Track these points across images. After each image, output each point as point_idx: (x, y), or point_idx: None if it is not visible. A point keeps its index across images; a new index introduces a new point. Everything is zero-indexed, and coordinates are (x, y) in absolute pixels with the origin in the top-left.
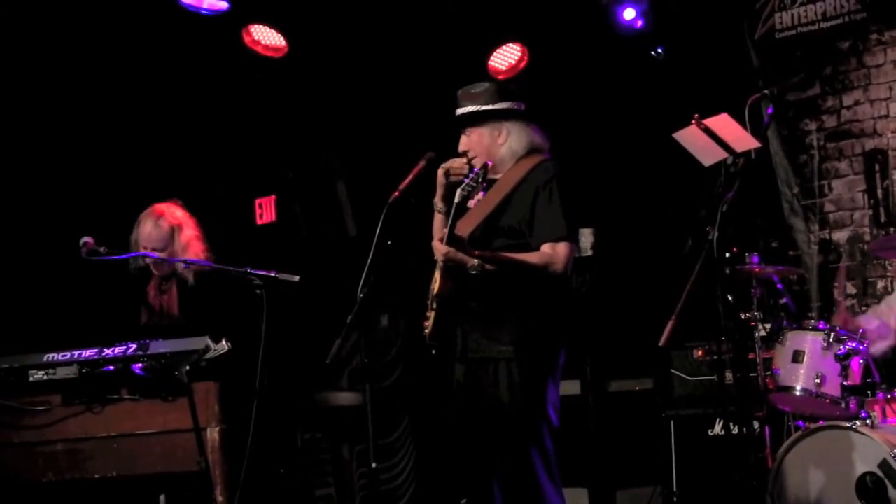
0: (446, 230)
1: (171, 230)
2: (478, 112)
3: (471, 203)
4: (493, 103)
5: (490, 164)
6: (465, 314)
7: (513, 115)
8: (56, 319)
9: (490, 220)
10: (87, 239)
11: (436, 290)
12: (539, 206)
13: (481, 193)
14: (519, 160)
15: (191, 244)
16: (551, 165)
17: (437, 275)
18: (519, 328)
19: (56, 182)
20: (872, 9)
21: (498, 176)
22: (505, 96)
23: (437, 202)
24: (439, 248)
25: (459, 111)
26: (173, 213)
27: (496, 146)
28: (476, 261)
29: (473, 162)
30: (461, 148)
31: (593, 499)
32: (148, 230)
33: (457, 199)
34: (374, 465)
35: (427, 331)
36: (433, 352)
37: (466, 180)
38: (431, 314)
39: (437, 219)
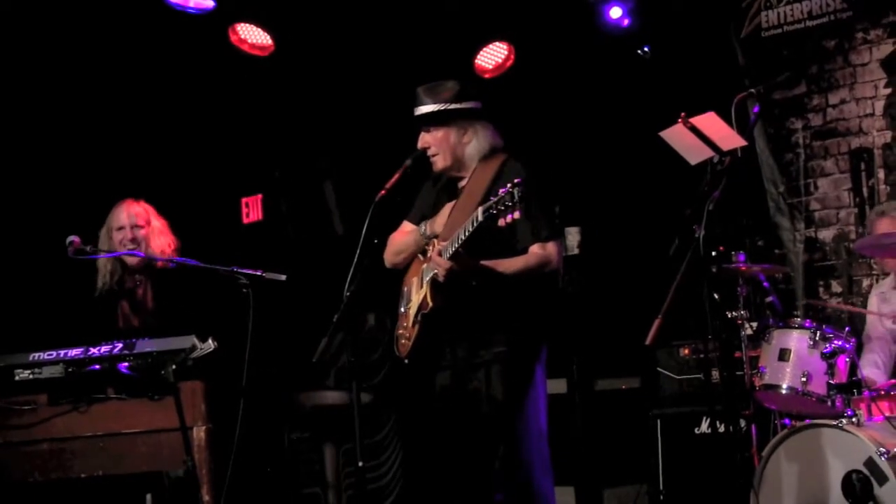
0: (446, 243)
1: (146, 211)
2: (444, 111)
3: (501, 222)
4: (459, 102)
5: (522, 181)
6: (455, 325)
7: (476, 115)
8: (42, 319)
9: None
10: (73, 238)
11: (430, 305)
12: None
13: (517, 212)
14: (483, 160)
15: (162, 232)
16: (519, 165)
17: (425, 289)
18: (510, 329)
19: (41, 181)
20: (858, 7)
21: (463, 177)
22: (470, 96)
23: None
24: (441, 263)
25: (423, 109)
26: (143, 202)
27: (461, 146)
28: (476, 272)
29: (434, 159)
30: (421, 145)
31: (580, 497)
32: (126, 210)
33: (480, 218)
34: (360, 463)
35: (405, 346)
36: (406, 363)
37: (494, 199)
38: (413, 330)
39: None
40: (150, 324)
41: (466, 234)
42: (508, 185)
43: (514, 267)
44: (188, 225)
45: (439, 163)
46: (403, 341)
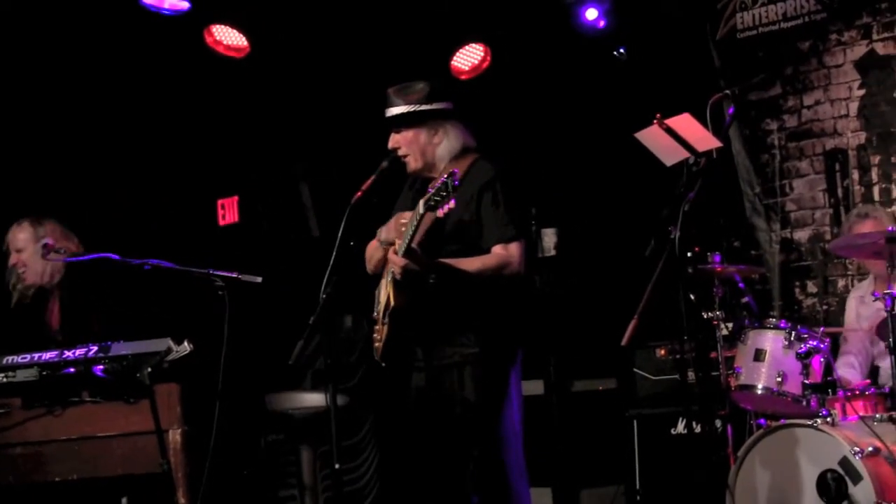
0: (401, 241)
1: (31, 226)
2: (415, 112)
3: (440, 212)
4: (429, 103)
5: (457, 172)
6: (421, 325)
7: (447, 116)
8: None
9: (435, 226)
10: (47, 240)
11: (392, 304)
12: (485, 208)
13: (452, 203)
14: (453, 160)
15: (54, 234)
16: (489, 165)
17: (389, 288)
18: (481, 330)
19: (16, 182)
20: (832, 9)
21: (435, 177)
22: (440, 96)
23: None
24: (396, 261)
25: (394, 110)
26: (38, 220)
27: (432, 146)
28: (432, 270)
29: (406, 160)
30: (391, 145)
31: (557, 498)
32: (10, 234)
33: (421, 210)
34: (337, 466)
35: (377, 346)
36: (382, 365)
37: (431, 190)
38: (383, 329)
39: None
40: (62, 334)
41: (413, 228)
42: (444, 175)
43: (472, 266)
44: (164, 227)
45: (411, 164)
46: (377, 344)
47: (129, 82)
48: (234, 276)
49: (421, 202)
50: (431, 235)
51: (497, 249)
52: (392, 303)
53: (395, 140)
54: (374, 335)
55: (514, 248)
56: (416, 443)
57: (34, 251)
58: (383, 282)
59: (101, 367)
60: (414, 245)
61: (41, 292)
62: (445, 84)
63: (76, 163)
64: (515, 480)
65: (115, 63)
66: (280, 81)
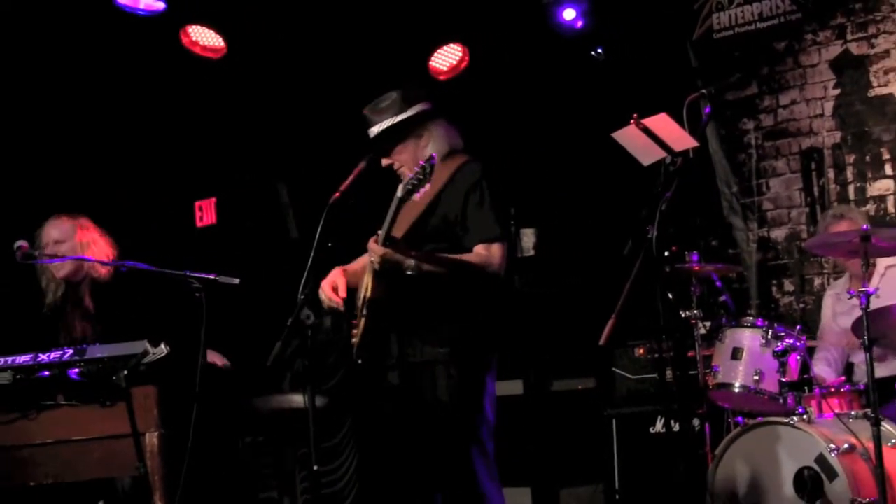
0: (381, 231)
1: (71, 225)
2: (396, 125)
3: (416, 196)
4: (405, 111)
5: (435, 156)
6: (398, 319)
7: (428, 117)
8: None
9: (419, 224)
10: (21, 243)
11: (369, 295)
12: (470, 209)
13: (427, 185)
14: (442, 162)
15: (95, 242)
16: (477, 166)
17: (368, 279)
18: (456, 329)
19: None
20: (807, 9)
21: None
22: (414, 100)
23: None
24: (375, 250)
25: (375, 130)
26: (74, 216)
27: (421, 150)
28: (412, 261)
29: (401, 171)
30: (385, 164)
31: (536, 498)
32: (48, 227)
33: (399, 194)
34: (315, 467)
35: (355, 341)
36: (359, 362)
37: (410, 175)
38: (361, 322)
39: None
40: (90, 339)
41: (392, 214)
42: (422, 160)
43: (451, 262)
44: (141, 229)
45: (406, 175)
46: (354, 340)
47: (104, 83)
48: (212, 277)
49: (400, 186)
50: (415, 233)
51: (478, 249)
52: (370, 294)
53: (385, 160)
54: (354, 331)
55: (495, 249)
56: (388, 441)
57: (72, 245)
58: (365, 276)
59: (77, 370)
60: (394, 234)
61: (70, 290)
62: (419, 85)
63: (51, 164)
64: (484, 482)
65: (90, 64)
66: (257, 82)
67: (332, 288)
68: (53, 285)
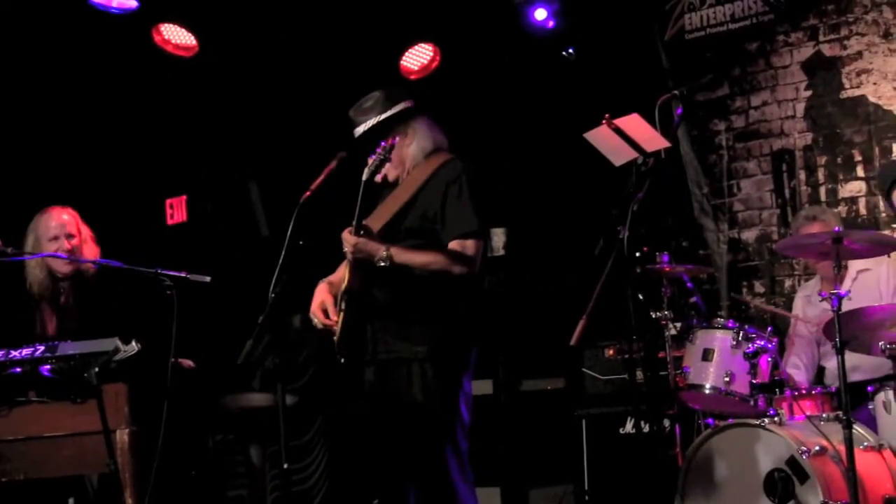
0: (354, 221)
1: (75, 219)
2: (381, 123)
3: (378, 177)
4: (389, 109)
5: (396, 139)
6: (374, 313)
7: (411, 114)
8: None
9: (397, 219)
10: None
11: (345, 285)
12: (449, 204)
13: (388, 167)
14: (426, 159)
15: (90, 239)
16: (459, 164)
17: (346, 271)
18: (432, 327)
19: None
20: (779, 10)
21: (405, 175)
22: (397, 99)
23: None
24: (348, 239)
25: (361, 129)
26: (69, 209)
27: (406, 147)
28: (384, 252)
29: (386, 171)
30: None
31: (506, 498)
32: (56, 220)
33: (364, 177)
34: (286, 465)
35: (336, 338)
36: (342, 361)
37: (372, 156)
38: (340, 315)
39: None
40: (68, 329)
41: (359, 199)
42: (384, 143)
43: (424, 255)
44: (112, 226)
45: (391, 174)
46: (335, 337)
47: (77, 81)
48: (183, 275)
49: (365, 170)
50: (392, 228)
51: (453, 245)
52: (346, 284)
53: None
54: (335, 327)
55: (470, 245)
56: (363, 437)
57: (82, 239)
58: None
59: (48, 366)
60: (372, 228)
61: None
62: (399, 84)
63: (22, 162)
64: (457, 481)
65: (62, 62)
66: (229, 81)
67: (321, 310)
68: (41, 277)
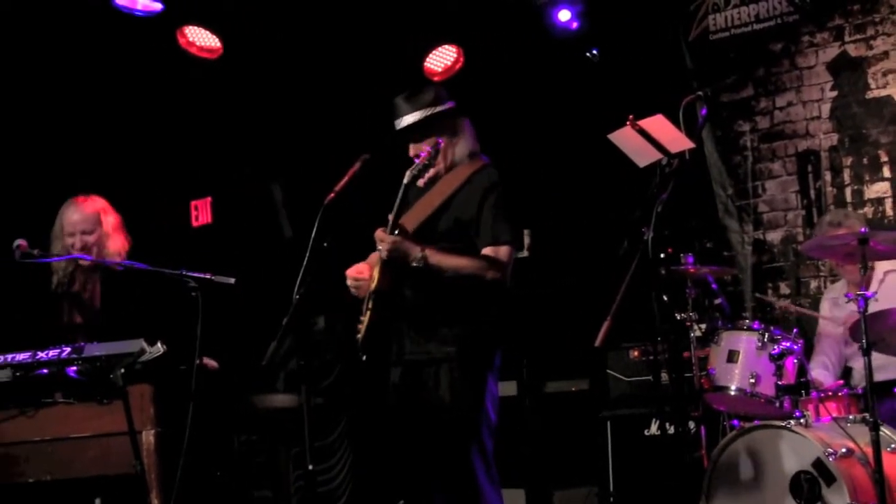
0: (390, 217)
1: (96, 213)
2: (433, 116)
3: (420, 182)
4: (442, 105)
5: (442, 142)
6: (402, 314)
7: (459, 115)
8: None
9: (431, 221)
10: (20, 242)
11: (374, 286)
12: (486, 210)
13: (432, 171)
14: (468, 161)
15: (116, 230)
16: (494, 172)
17: (375, 271)
18: (460, 329)
19: None
20: (804, 11)
21: (443, 174)
22: (447, 98)
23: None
24: (384, 238)
25: (409, 119)
26: (94, 199)
27: (452, 147)
28: (419, 252)
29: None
30: (413, 153)
31: (530, 499)
32: (75, 215)
33: (406, 180)
34: (310, 466)
35: (360, 336)
36: (363, 358)
37: (417, 160)
38: (366, 316)
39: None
40: (93, 322)
41: (398, 199)
42: (428, 147)
43: (457, 259)
44: (137, 228)
45: (431, 171)
46: (359, 335)
47: (102, 84)
48: (208, 277)
49: (408, 172)
50: (426, 230)
51: (486, 251)
52: (377, 284)
53: (415, 148)
54: (359, 325)
55: (503, 252)
56: (389, 438)
57: (100, 235)
58: (374, 270)
59: (75, 368)
60: (405, 227)
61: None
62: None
63: (49, 163)
64: (482, 481)
65: (88, 64)
66: (253, 82)
67: (356, 271)
68: (65, 265)
